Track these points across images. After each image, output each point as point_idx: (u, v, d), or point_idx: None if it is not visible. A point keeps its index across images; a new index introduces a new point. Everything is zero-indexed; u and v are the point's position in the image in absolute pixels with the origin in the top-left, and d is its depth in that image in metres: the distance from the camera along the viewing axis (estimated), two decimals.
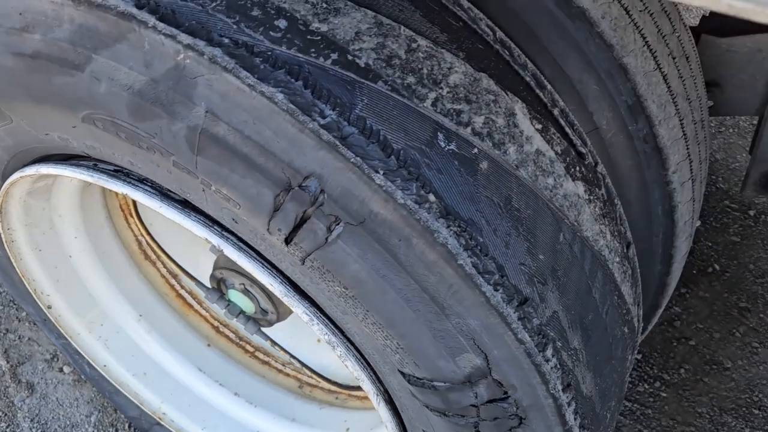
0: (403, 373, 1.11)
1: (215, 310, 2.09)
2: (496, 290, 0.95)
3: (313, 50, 0.95)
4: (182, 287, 2.12)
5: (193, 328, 2.11)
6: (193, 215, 1.16)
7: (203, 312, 2.13)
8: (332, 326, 1.17)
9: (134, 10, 0.94)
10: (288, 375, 2.11)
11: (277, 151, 0.92)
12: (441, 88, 1.00)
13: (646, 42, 1.39)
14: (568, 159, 1.13)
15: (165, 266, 2.08)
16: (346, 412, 1.93)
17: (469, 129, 1.00)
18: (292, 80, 0.92)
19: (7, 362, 2.57)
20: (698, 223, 1.66)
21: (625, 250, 1.26)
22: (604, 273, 1.16)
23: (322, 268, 1.01)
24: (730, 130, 3.30)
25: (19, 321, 2.69)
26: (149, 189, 1.18)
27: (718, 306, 2.81)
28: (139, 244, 2.03)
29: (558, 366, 1.01)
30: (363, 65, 0.97)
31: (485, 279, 0.94)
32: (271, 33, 0.95)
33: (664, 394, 2.53)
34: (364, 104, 0.94)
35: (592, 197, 1.15)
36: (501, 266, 0.97)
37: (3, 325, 2.67)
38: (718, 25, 1.79)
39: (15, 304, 2.75)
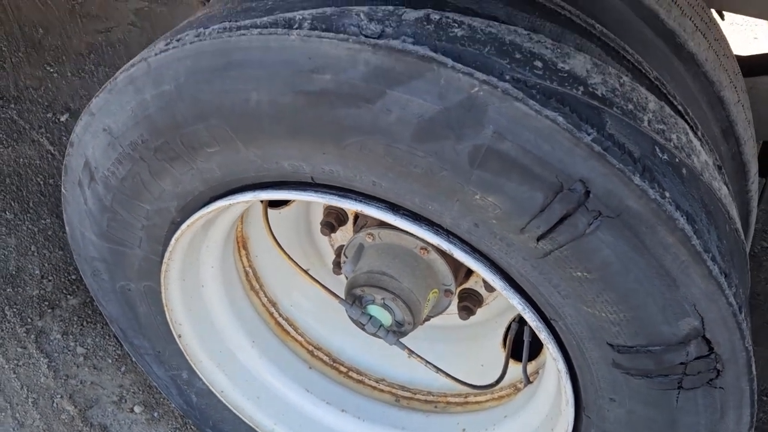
0: (611, 345, 1.36)
1: (315, 335, 2.25)
2: (714, 263, 1.23)
3: (566, 83, 1.22)
4: (279, 315, 2.27)
5: (294, 352, 2.25)
6: (424, 225, 1.38)
7: (299, 337, 2.29)
8: (538, 314, 1.41)
9: (432, 54, 1.17)
10: (383, 391, 2.28)
11: (554, 161, 1.18)
12: (647, 112, 1.29)
13: (731, 79, 1.74)
14: (717, 167, 1.44)
15: (266, 295, 2.24)
16: (454, 416, 2.13)
17: (671, 143, 1.29)
18: (562, 106, 1.18)
19: (75, 407, 2.59)
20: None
21: (745, 246, 1.57)
22: (745, 260, 1.47)
23: (569, 257, 1.26)
24: None
25: (78, 367, 2.71)
26: (379, 205, 1.40)
27: None
28: (246, 274, 2.18)
29: (748, 326, 1.30)
30: (600, 95, 1.24)
31: (708, 256, 1.22)
32: (534, 71, 1.21)
33: None
34: (609, 124, 1.21)
35: (732, 198, 1.46)
36: (710, 247, 1.25)
37: (62, 371, 2.69)
38: (744, 66, 2.19)
39: (70, 351, 2.76)
